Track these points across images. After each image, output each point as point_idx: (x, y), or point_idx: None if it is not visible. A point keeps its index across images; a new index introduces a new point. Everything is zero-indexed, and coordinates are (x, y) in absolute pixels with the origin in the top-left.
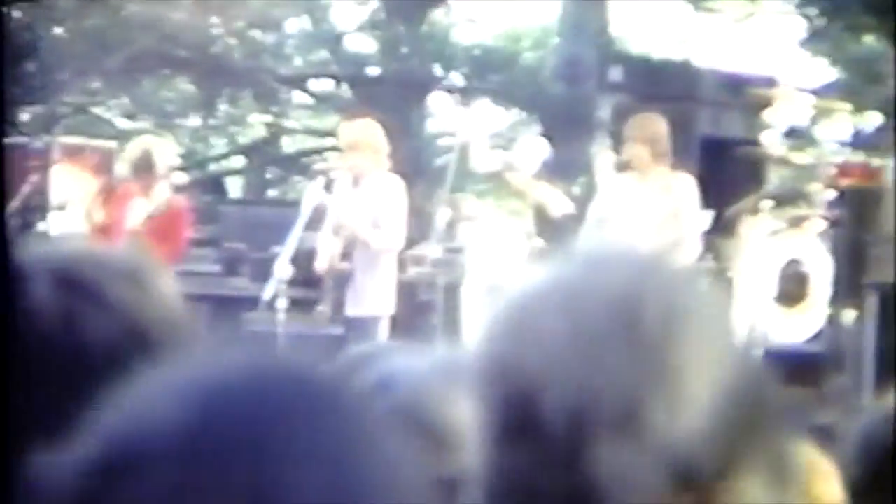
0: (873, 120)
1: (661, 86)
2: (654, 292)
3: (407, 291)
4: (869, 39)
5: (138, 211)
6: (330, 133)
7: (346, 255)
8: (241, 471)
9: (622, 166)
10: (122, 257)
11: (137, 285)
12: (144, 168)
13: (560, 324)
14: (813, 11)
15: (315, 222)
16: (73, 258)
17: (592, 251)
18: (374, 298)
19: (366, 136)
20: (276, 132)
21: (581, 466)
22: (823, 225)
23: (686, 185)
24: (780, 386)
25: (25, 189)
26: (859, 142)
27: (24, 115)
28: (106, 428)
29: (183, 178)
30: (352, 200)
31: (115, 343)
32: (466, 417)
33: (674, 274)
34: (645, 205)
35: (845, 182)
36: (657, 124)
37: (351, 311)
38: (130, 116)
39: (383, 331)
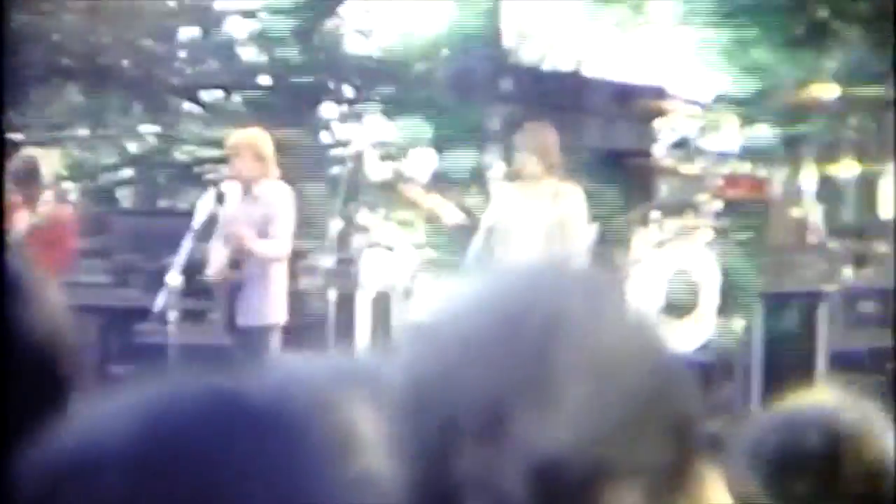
0: (760, 131)
1: (551, 96)
2: (541, 299)
3: (299, 302)
4: (757, 50)
5: (22, 221)
6: (221, 143)
7: (235, 264)
8: (185, 485)
9: (512, 176)
10: (4, 267)
11: (20, 295)
12: (27, 179)
13: (456, 339)
14: (701, 22)
15: (207, 232)
16: None
17: (502, 266)
18: (265, 308)
19: (251, 142)
20: (166, 142)
21: (452, 474)
22: (711, 234)
23: (573, 196)
24: (695, 392)
25: None
26: (746, 153)
27: None
28: (56, 441)
29: (71, 188)
30: (240, 209)
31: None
32: (366, 423)
33: (568, 280)
34: (533, 215)
35: (732, 193)
36: (547, 135)
37: (242, 320)
38: (18, 127)
39: (275, 341)
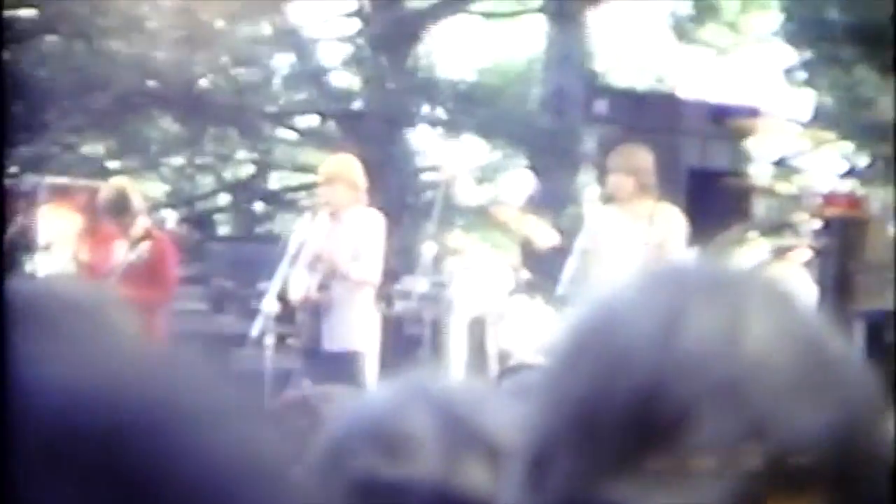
0: (859, 150)
1: (646, 117)
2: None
3: (393, 326)
4: (855, 69)
5: (123, 252)
6: (315, 169)
7: (322, 289)
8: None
9: (606, 198)
10: (81, 293)
11: (96, 320)
12: (119, 208)
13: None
14: (798, 42)
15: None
16: (33, 293)
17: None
18: (352, 333)
19: (343, 170)
20: (262, 169)
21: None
22: (809, 255)
23: (671, 217)
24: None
25: (12, 230)
26: (845, 172)
27: (11, 156)
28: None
29: (171, 216)
30: (331, 235)
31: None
32: (514, 437)
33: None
34: (630, 237)
35: (830, 212)
36: (641, 156)
37: (328, 345)
38: (116, 156)
39: (365, 367)
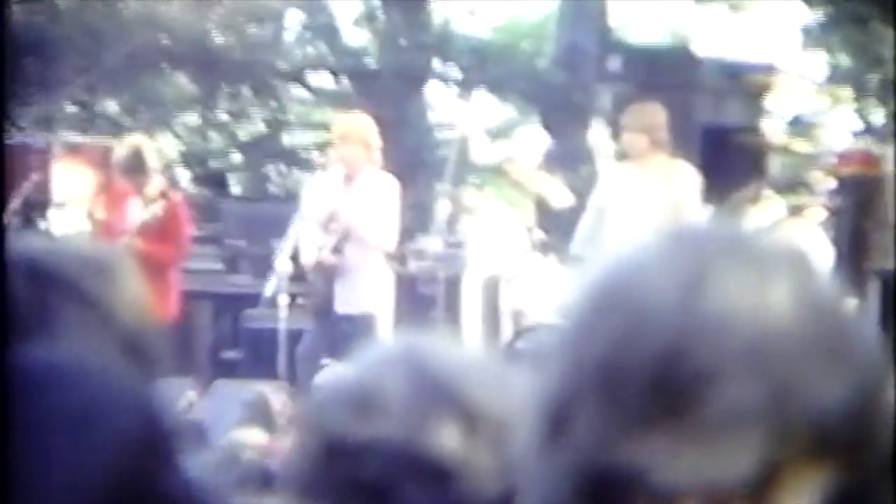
0: (874, 108)
1: (661, 74)
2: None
3: (408, 285)
4: (871, 26)
5: (137, 210)
6: (328, 127)
7: (336, 251)
8: None
9: (620, 156)
10: (91, 251)
11: (106, 278)
12: (135, 167)
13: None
14: None
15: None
16: (43, 253)
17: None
18: (365, 296)
19: (357, 128)
20: (275, 127)
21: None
22: (824, 213)
23: (686, 174)
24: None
25: (27, 187)
26: (860, 130)
27: (24, 114)
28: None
29: (184, 174)
30: (344, 195)
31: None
32: (498, 403)
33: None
34: (645, 194)
35: (846, 170)
36: (655, 113)
37: (341, 308)
38: (129, 112)
39: (379, 327)
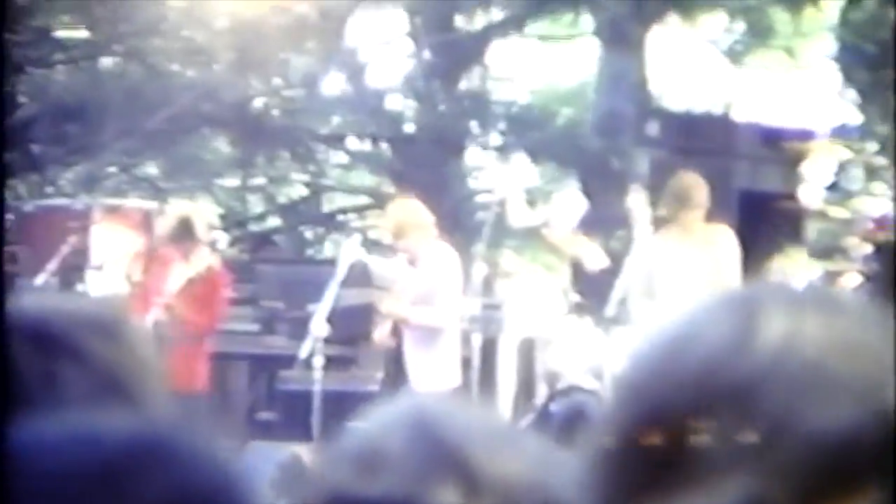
0: None
1: (699, 140)
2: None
3: None
4: None
5: (178, 275)
6: (366, 191)
7: (396, 331)
8: None
9: (658, 221)
10: (99, 311)
11: (113, 339)
12: (183, 235)
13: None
14: (851, 67)
15: (351, 280)
16: (49, 313)
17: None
18: (438, 373)
19: (413, 218)
20: (314, 191)
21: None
22: (860, 279)
23: (727, 239)
24: None
25: (65, 249)
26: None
27: (66, 176)
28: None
29: (223, 238)
30: (407, 278)
31: (89, 396)
32: (505, 469)
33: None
34: (687, 259)
35: (882, 236)
36: (698, 184)
37: (417, 386)
38: (170, 176)
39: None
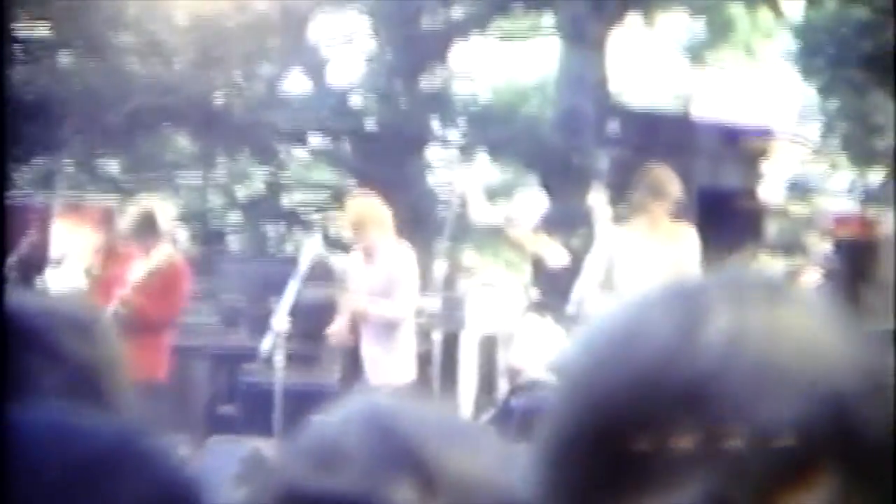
0: (871, 172)
1: (659, 138)
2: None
3: None
4: (868, 94)
5: (138, 268)
6: (327, 187)
7: (354, 328)
8: None
9: (618, 218)
10: (67, 308)
11: (82, 335)
12: (146, 231)
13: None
14: (811, 65)
15: (313, 276)
16: (23, 310)
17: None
18: (394, 368)
19: (369, 213)
20: (274, 187)
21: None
22: (820, 276)
23: (688, 237)
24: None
25: (24, 245)
26: (856, 193)
27: (25, 172)
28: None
29: (183, 233)
30: (364, 274)
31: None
32: (461, 466)
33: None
34: (648, 256)
35: (842, 233)
36: (670, 178)
37: (374, 380)
38: (130, 172)
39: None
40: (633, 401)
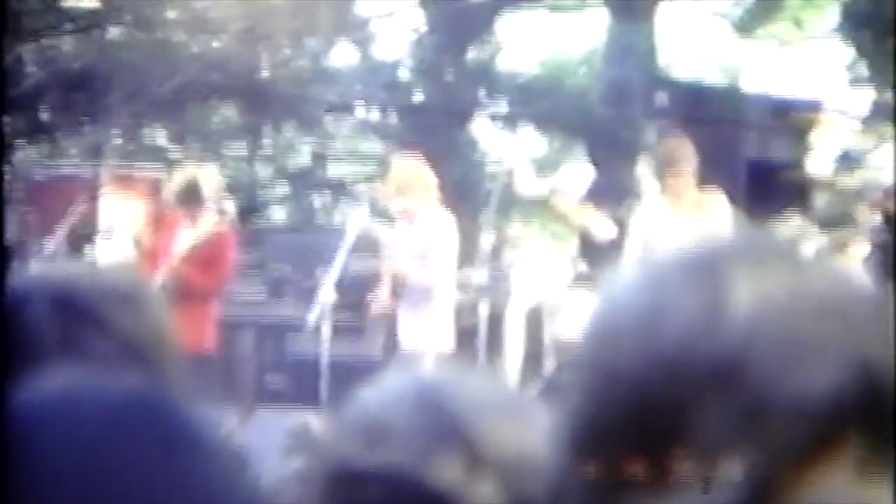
0: None
1: (707, 110)
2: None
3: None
4: None
5: (185, 238)
6: (374, 159)
7: (395, 292)
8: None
9: (660, 190)
10: (118, 279)
11: (132, 306)
12: (190, 198)
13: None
14: (860, 37)
15: (359, 247)
16: (71, 280)
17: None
18: (428, 335)
19: (415, 176)
20: (321, 159)
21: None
22: (868, 249)
23: (718, 205)
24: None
25: (73, 216)
26: None
27: (73, 144)
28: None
29: (230, 204)
30: (404, 239)
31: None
32: (508, 441)
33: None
34: (677, 227)
35: (891, 206)
36: (684, 147)
37: (407, 346)
38: (178, 144)
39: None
40: (665, 381)
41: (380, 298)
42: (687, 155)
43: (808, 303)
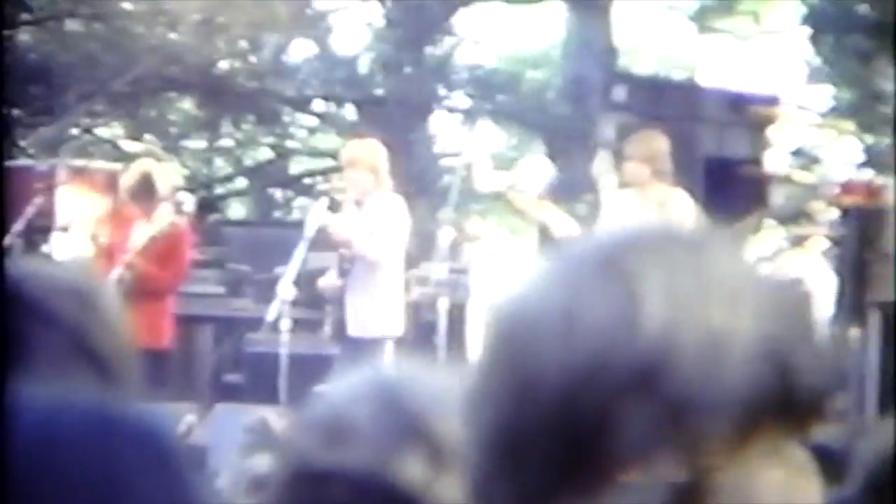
0: (876, 139)
1: (665, 105)
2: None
3: (411, 312)
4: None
5: (141, 233)
6: (333, 154)
7: (344, 272)
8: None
9: (621, 184)
10: (69, 275)
11: (83, 302)
12: (144, 192)
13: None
14: (817, 32)
15: (319, 243)
16: (20, 276)
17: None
18: (377, 319)
19: (366, 154)
20: (280, 154)
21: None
22: (826, 244)
23: (680, 202)
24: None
25: (30, 211)
26: (863, 161)
27: (30, 138)
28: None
29: (188, 199)
30: (353, 219)
31: (60, 359)
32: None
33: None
34: (640, 220)
35: (848, 201)
36: (657, 142)
37: (353, 331)
38: (135, 138)
39: (387, 352)
40: (584, 385)
41: (328, 279)
42: (663, 149)
43: (720, 295)
